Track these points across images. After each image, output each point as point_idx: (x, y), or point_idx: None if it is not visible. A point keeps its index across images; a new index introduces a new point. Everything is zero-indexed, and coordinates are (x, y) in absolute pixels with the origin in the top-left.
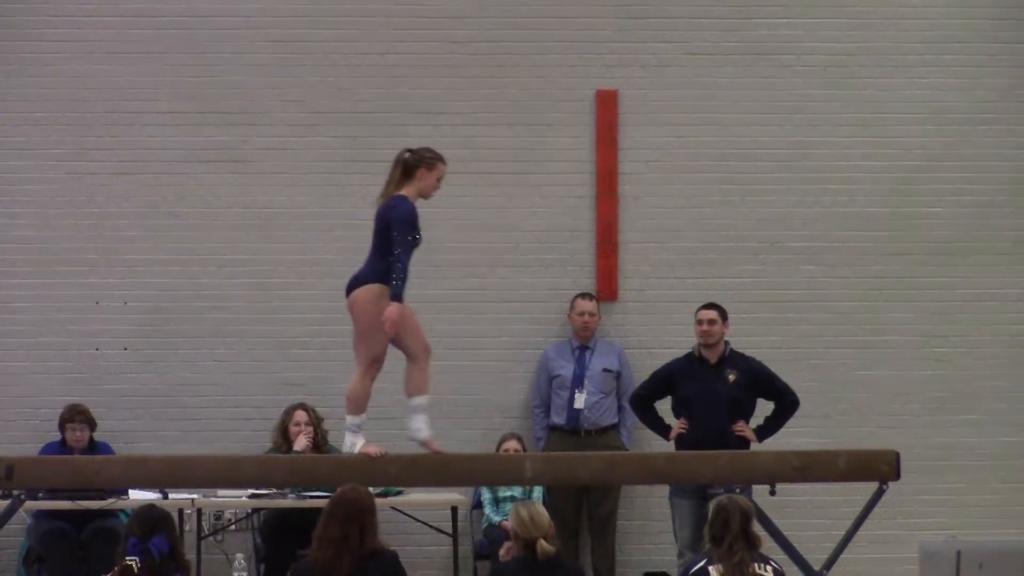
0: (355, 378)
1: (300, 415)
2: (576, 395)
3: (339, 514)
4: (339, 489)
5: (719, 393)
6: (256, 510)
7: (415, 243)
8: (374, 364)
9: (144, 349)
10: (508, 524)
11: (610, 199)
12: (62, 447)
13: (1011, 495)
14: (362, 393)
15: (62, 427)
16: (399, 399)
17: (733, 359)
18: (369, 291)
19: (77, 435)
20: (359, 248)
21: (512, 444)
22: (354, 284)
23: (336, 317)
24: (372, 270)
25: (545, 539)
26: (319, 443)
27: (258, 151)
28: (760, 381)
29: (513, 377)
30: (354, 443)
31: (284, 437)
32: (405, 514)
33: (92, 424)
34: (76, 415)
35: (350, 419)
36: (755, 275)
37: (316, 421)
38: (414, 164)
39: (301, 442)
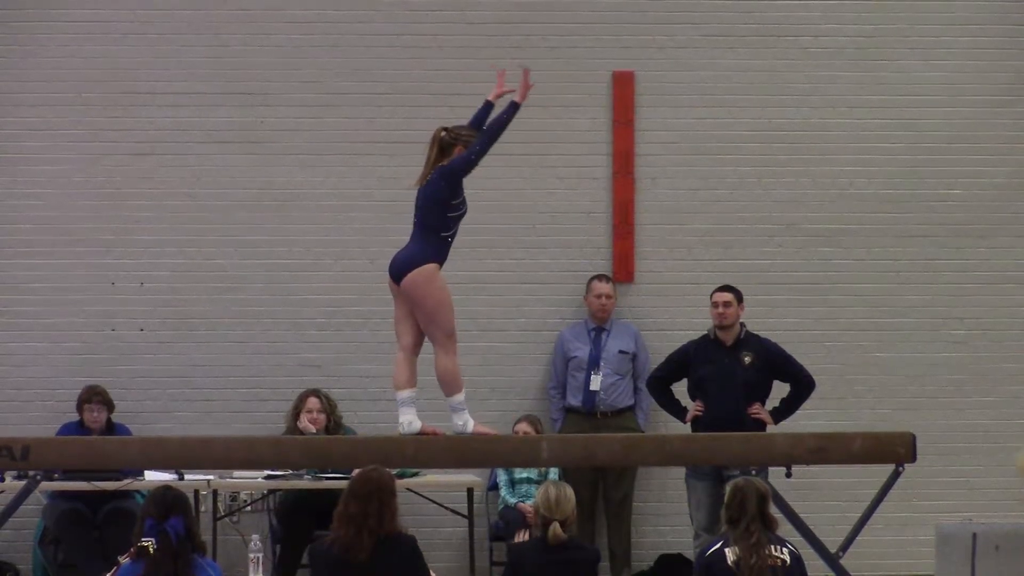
0: (443, 360)
1: (312, 402)
2: (592, 377)
3: (360, 493)
4: (361, 469)
5: (735, 375)
6: (272, 491)
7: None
8: (452, 338)
9: (160, 330)
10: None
11: (626, 180)
12: (80, 428)
13: None
14: (455, 371)
15: (80, 408)
16: (424, 381)
17: (749, 341)
18: (424, 272)
19: (95, 415)
20: (376, 229)
21: (522, 427)
22: (404, 267)
23: (353, 298)
24: (420, 250)
25: (563, 523)
26: (332, 429)
27: (274, 132)
28: (776, 363)
29: (529, 359)
30: (465, 422)
31: (296, 422)
32: (421, 495)
33: (110, 405)
34: (94, 396)
35: (454, 399)
36: (771, 257)
37: (329, 408)
38: (450, 142)
39: (307, 427)
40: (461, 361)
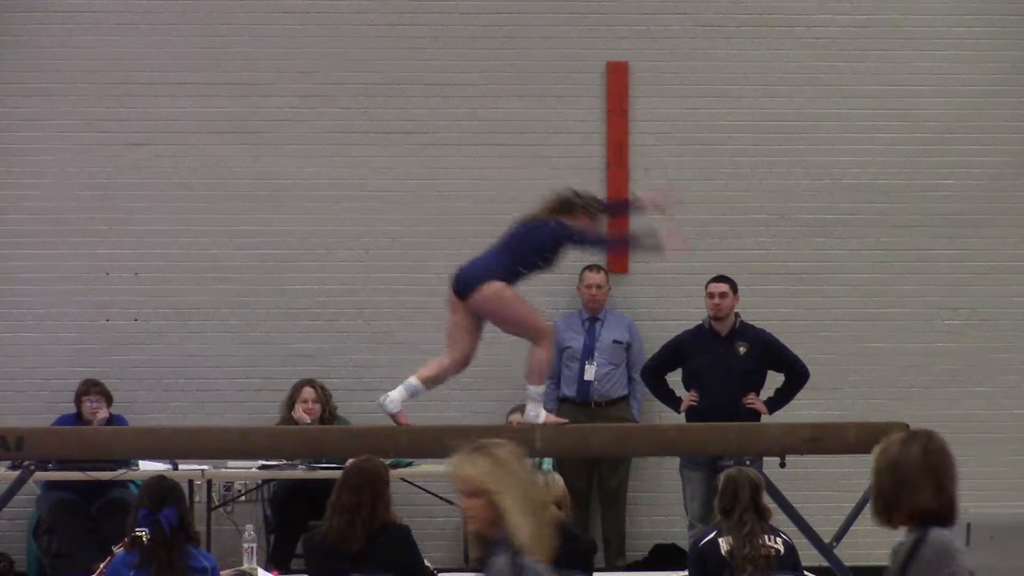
0: (538, 352)
1: (308, 392)
2: (586, 367)
3: (353, 482)
4: (354, 459)
5: (730, 365)
6: (266, 481)
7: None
8: (545, 334)
9: (154, 320)
10: None
11: (620, 171)
12: (77, 420)
13: (1022, 467)
14: (545, 364)
15: (78, 401)
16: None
17: (743, 331)
18: (492, 289)
19: (92, 406)
20: (370, 219)
21: (517, 417)
22: (470, 284)
23: (347, 288)
24: (489, 268)
25: (557, 505)
26: (326, 419)
27: (268, 122)
28: (770, 353)
29: (524, 348)
30: (538, 413)
31: (291, 412)
32: (415, 485)
33: (108, 398)
34: (92, 388)
35: (535, 389)
36: (765, 247)
37: (324, 398)
38: (578, 207)
39: (302, 417)
40: None
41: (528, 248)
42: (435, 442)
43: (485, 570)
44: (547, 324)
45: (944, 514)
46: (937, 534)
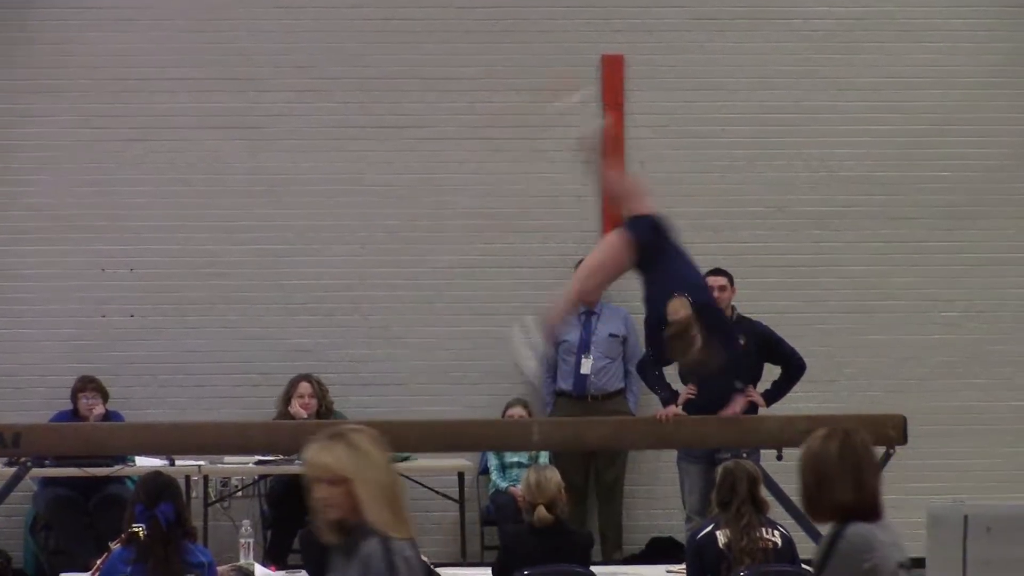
0: (562, 293)
1: (304, 387)
2: (583, 360)
3: None
4: None
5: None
6: (263, 476)
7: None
8: (579, 287)
9: (151, 316)
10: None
11: (616, 164)
12: (73, 416)
13: (1019, 459)
14: (558, 309)
15: (74, 397)
16: (415, 365)
17: (740, 324)
18: (625, 235)
19: (88, 403)
20: (366, 213)
21: (517, 411)
22: (647, 221)
23: (344, 283)
24: (636, 227)
25: (549, 506)
26: (323, 414)
27: (266, 117)
28: (767, 345)
29: None
30: (519, 341)
31: (288, 407)
32: (412, 480)
33: (104, 394)
34: (88, 385)
35: (534, 321)
36: (762, 240)
37: (320, 393)
38: (676, 329)
39: (299, 412)
40: (452, 345)
41: (664, 266)
42: (432, 437)
43: (349, 556)
44: (585, 287)
45: (866, 508)
46: (855, 528)
